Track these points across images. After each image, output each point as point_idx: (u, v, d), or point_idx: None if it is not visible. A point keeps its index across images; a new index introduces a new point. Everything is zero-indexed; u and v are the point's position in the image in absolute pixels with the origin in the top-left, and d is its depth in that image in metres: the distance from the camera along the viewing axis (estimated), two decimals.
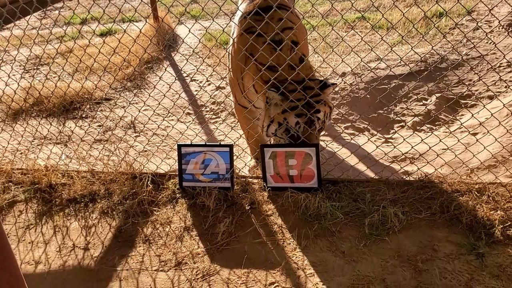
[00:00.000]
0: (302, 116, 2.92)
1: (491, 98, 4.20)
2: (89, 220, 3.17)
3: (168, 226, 3.00)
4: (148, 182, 3.36)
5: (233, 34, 3.32)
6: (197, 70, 5.28)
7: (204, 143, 3.37)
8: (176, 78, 5.40)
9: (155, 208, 3.17)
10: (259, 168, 3.45)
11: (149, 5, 6.83)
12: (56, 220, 3.22)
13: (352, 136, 3.98)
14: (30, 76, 5.82)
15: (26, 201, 3.44)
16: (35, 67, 6.21)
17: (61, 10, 8.69)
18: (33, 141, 4.31)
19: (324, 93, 2.99)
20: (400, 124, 4.10)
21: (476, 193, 2.90)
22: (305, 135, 2.98)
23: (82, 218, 3.21)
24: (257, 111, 3.26)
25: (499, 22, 4.34)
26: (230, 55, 3.32)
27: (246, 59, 3.06)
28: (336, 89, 4.65)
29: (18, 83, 4.00)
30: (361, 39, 2.63)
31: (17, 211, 3.36)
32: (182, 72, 5.65)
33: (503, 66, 4.69)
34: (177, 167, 3.33)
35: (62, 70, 4.42)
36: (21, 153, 4.09)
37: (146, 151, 3.93)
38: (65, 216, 3.24)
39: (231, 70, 3.33)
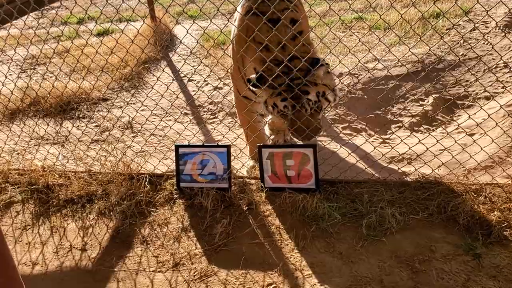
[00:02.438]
0: (288, 99, 2.86)
1: (488, 98, 4.21)
2: (87, 221, 3.17)
3: (166, 227, 3.00)
4: (146, 183, 3.36)
5: (235, 21, 3.29)
6: (194, 71, 5.27)
7: (201, 144, 3.37)
8: (174, 78, 5.40)
9: (152, 209, 3.17)
10: (256, 168, 3.45)
11: (147, 5, 6.83)
12: (53, 221, 3.21)
13: (349, 137, 3.98)
14: (26, 76, 5.81)
15: (23, 202, 3.43)
16: (32, 67, 6.19)
17: (58, 9, 8.67)
18: (30, 141, 4.30)
19: (315, 74, 2.84)
20: (398, 124, 4.10)
21: (473, 193, 2.91)
22: (298, 118, 2.89)
23: (79, 219, 3.20)
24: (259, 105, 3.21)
25: (496, 24, 4.35)
26: (232, 44, 3.31)
27: (245, 42, 3.01)
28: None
29: (15, 84, 3.99)
30: (359, 40, 2.63)
31: (14, 212, 3.35)
32: (180, 72, 5.64)
33: (500, 66, 4.70)
34: (175, 168, 3.33)
35: (59, 70, 4.40)
36: (18, 154, 4.08)
37: (143, 151, 3.93)
38: (62, 217, 3.24)
39: (233, 60, 3.31)
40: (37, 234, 3.11)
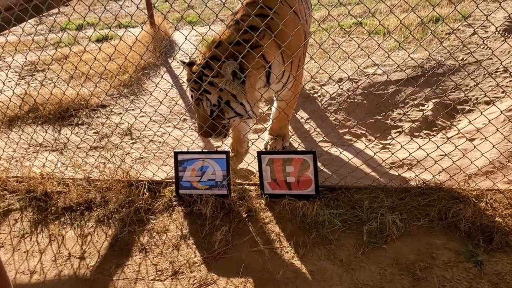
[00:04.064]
0: (194, 90, 2.98)
1: (488, 103, 4.20)
2: (85, 229, 3.14)
3: (165, 235, 2.97)
4: (145, 190, 3.33)
5: None
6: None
7: (200, 150, 3.35)
8: (173, 84, 5.38)
9: (151, 216, 3.14)
10: (236, 159, 3.64)
11: (145, 12, 6.83)
12: (52, 228, 3.18)
13: (349, 143, 3.96)
14: (25, 83, 5.80)
15: (21, 210, 3.41)
16: (31, 73, 6.18)
17: (56, 16, 8.67)
18: (28, 149, 4.28)
19: (218, 77, 2.87)
20: (398, 130, 4.09)
21: (474, 199, 2.88)
22: (197, 114, 3.05)
23: (78, 227, 3.18)
24: None
25: (496, 28, 4.34)
26: None
27: None
28: (333, 95, 4.64)
29: (13, 91, 3.97)
30: (358, 46, 2.62)
31: (12, 220, 3.33)
32: (179, 78, 5.63)
33: (500, 71, 4.69)
34: (174, 175, 3.31)
35: (57, 77, 4.39)
36: (17, 161, 4.06)
37: (142, 158, 3.91)
38: (60, 225, 3.21)
39: None
40: (35, 242, 3.09)
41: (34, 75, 6.11)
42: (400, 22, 2.92)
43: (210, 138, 3.13)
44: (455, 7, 2.57)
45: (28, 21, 3.50)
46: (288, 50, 3.04)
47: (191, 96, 3.06)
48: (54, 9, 3.94)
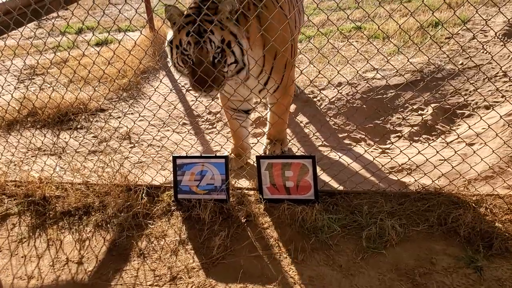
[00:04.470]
0: (193, 34, 2.75)
1: (487, 108, 4.19)
2: (83, 234, 3.13)
3: (163, 240, 2.96)
4: (143, 195, 3.32)
5: None
6: None
7: (199, 155, 3.34)
8: (172, 88, 5.38)
9: (150, 221, 3.13)
10: (234, 162, 3.63)
11: (145, 16, 6.83)
12: (50, 233, 3.17)
13: (349, 147, 3.95)
14: (24, 87, 5.79)
15: (19, 214, 3.39)
16: (30, 77, 6.18)
17: (56, 19, 8.68)
18: (27, 153, 4.26)
19: (221, 14, 2.77)
20: (397, 134, 4.08)
21: (473, 205, 2.87)
22: (197, 59, 2.77)
23: (76, 231, 3.16)
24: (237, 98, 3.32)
25: (495, 33, 4.35)
26: None
27: None
28: (333, 99, 4.63)
29: (12, 95, 3.97)
30: (357, 51, 2.61)
31: (10, 224, 3.31)
32: (178, 82, 5.62)
33: (499, 76, 4.69)
34: (172, 179, 3.30)
35: (56, 81, 4.39)
36: (15, 165, 4.04)
37: (141, 162, 3.89)
38: (58, 229, 3.20)
39: None
40: (33, 247, 3.07)
41: (33, 79, 6.11)
42: (399, 27, 2.92)
43: (204, 92, 2.83)
44: (454, 12, 2.57)
45: (27, 25, 3.49)
46: (271, 49, 3.02)
47: (188, 43, 2.77)
48: (53, 13, 3.93)
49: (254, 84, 3.18)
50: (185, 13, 2.84)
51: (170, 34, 2.93)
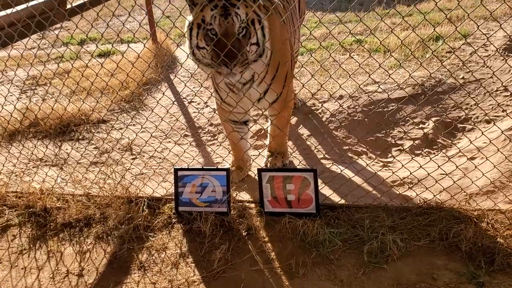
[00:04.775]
0: (218, 7, 2.70)
1: (488, 122, 4.20)
2: (84, 246, 3.13)
3: (164, 253, 2.95)
4: (144, 207, 3.32)
5: None
6: (195, 94, 5.27)
7: (201, 167, 3.35)
8: (174, 100, 5.40)
9: (150, 234, 3.13)
10: (235, 175, 3.60)
11: (147, 29, 6.87)
12: (50, 245, 3.16)
13: (350, 160, 3.95)
14: (27, 97, 5.81)
15: (20, 225, 3.39)
16: (33, 87, 6.20)
17: (60, 30, 8.73)
18: (28, 163, 4.27)
19: None
20: (398, 148, 4.08)
21: (475, 220, 2.87)
22: (223, 31, 2.70)
23: (76, 243, 3.16)
24: (229, 107, 3.31)
25: (496, 50, 4.37)
26: None
27: None
28: (334, 112, 4.65)
29: (15, 106, 3.98)
30: (359, 65, 2.63)
31: (10, 236, 3.31)
32: (180, 94, 5.64)
33: (500, 90, 4.70)
34: (174, 191, 3.30)
35: (59, 93, 4.40)
36: (16, 176, 4.05)
37: (142, 174, 3.90)
38: (59, 241, 3.19)
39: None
40: (33, 259, 3.06)
41: (36, 89, 6.13)
42: (401, 42, 2.93)
43: (229, 67, 2.72)
44: (456, 28, 2.59)
45: (31, 37, 3.52)
46: (275, 57, 3.04)
47: (212, 17, 2.71)
48: (57, 24, 3.96)
49: (255, 94, 3.20)
50: None
51: (189, 19, 2.89)
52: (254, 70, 3.00)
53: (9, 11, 3.50)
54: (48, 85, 5.03)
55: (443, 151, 3.94)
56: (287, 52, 3.20)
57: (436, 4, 2.49)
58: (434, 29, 2.56)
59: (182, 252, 2.93)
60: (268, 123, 3.75)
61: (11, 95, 5.22)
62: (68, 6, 4.35)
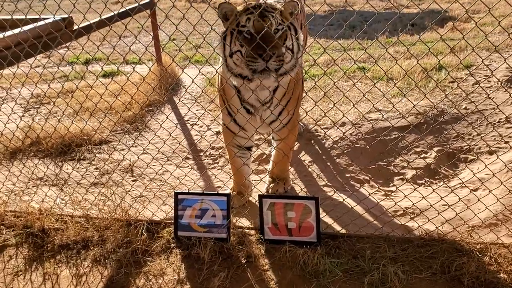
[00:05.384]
0: (253, 13, 2.75)
1: (491, 153, 4.19)
2: (81, 268, 3.08)
3: (161, 278, 2.91)
4: (143, 230, 3.29)
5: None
6: (198, 118, 5.27)
7: (201, 192, 3.33)
8: (177, 123, 5.40)
9: (148, 258, 3.08)
10: (236, 200, 3.57)
11: (153, 53, 6.92)
12: (47, 267, 3.12)
13: (352, 188, 3.93)
14: (30, 116, 5.82)
15: (17, 246, 3.35)
16: (36, 106, 6.21)
17: (64, 50, 8.79)
18: (28, 183, 4.25)
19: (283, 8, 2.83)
20: (400, 177, 4.06)
21: (477, 253, 2.83)
22: (259, 30, 2.68)
23: (73, 266, 3.12)
24: (244, 134, 3.33)
25: (499, 81, 4.39)
26: (218, 76, 3.36)
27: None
28: (336, 139, 4.65)
29: (17, 125, 3.98)
30: (363, 95, 2.64)
31: (6, 256, 3.27)
32: (183, 116, 5.66)
33: (502, 121, 4.71)
34: (173, 215, 3.27)
35: (62, 113, 4.40)
36: (15, 195, 4.02)
37: (142, 196, 3.87)
38: (56, 263, 3.15)
39: (218, 91, 3.41)
40: (28, 281, 3.02)
41: (39, 107, 6.15)
42: (406, 73, 2.94)
43: (265, 61, 2.70)
44: (460, 61, 2.60)
45: (37, 58, 3.54)
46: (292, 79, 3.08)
47: (248, 19, 2.75)
48: (63, 45, 3.99)
49: (269, 115, 3.21)
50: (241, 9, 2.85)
51: (221, 32, 2.93)
52: (281, 84, 3.02)
53: (16, 31, 3.53)
54: (52, 104, 5.04)
55: (445, 181, 3.92)
56: (300, 73, 3.24)
57: (441, 37, 2.50)
58: (439, 61, 2.57)
59: (180, 279, 2.89)
60: (270, 148, 3.74)
61: (14, 113, 5.23)
62: (75, 27, 4.39)
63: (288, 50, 2.85)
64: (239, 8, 2.90)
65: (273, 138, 3.72)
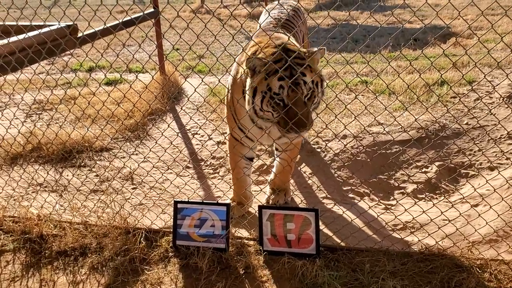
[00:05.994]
0: (285, 79, 2.71)
1: (492, 169, 4.18)
2: (78, 276, 3.06)
3: (159, 287, 2.89)
4: (141, 239, 3.27)
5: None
6: (200, 128, 5.27)
7: (201, 201, 3.32)
8: (179, 132, 5.41)
9: (146, 267, 3.07)
10: (235, 210, 3.55)
11: (156, 62, 6.95)
12: (44, 273, 3.11)
13: (352, 201, 3.92)
14: (31, 121, 5.83)
15: (15, 251, 3.34)
16: (38, 112, 6.23)
17: (68, 57, 8.85)
18: (28, 188, 4.24)
19: (310, 59, 2.82)
20: (401, 191, 4.05)
21: (477, 269, 2.82)
22: (293, 101, 2.71)
23: (70, 273, 3.10)
24: (249, 142, 3.36)
25: (501, 97, 4.40)
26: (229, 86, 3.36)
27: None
28: (337, 151, 4.64)
29: (19, 130, 3.98)
30: (365, 108, 2.64)
31: (4, 261, 3.25)
32: (185, 125, 5.66)
33: (504, 137, 4.71)
34: (172, 224, 3.26)
35: (64, 120, 4.41)
36: (15, 200, 4.01)
37: (142, 205, 3.86)
38: (53, 270, 3.14)
39: (226, 100, 3.41)
40: (25, 287, 3.00)
41: (41, 113, 6.16)
42: (408, 87, 2.95)
43: (299, 133, 2.77)
44: (462, 76, 2.61)
45: (40, 64, 3.56)
46: None
47: (280, 87, 2.73)
48: (67, 51, 4.02)
49: (276, 131, 3.18)
50: (271, 59, 2.79)
51: (249, 81, 2.88)
52: None
53: (21, 36, 3.55)
54: (54, 110, 5.05)
55: (446, 196, 3.90)
56: None
57: (443, 52, 2.51)
58: (441, 76, 2.58)
59: None
60: (272, 158, 3.74)
61: (16, 119, 5.24)
62: (80, 34, 4.42)
63: (315, 103, 2.90)
64: (268, 56, 2.84)
65: (276, 149, 3.72)
